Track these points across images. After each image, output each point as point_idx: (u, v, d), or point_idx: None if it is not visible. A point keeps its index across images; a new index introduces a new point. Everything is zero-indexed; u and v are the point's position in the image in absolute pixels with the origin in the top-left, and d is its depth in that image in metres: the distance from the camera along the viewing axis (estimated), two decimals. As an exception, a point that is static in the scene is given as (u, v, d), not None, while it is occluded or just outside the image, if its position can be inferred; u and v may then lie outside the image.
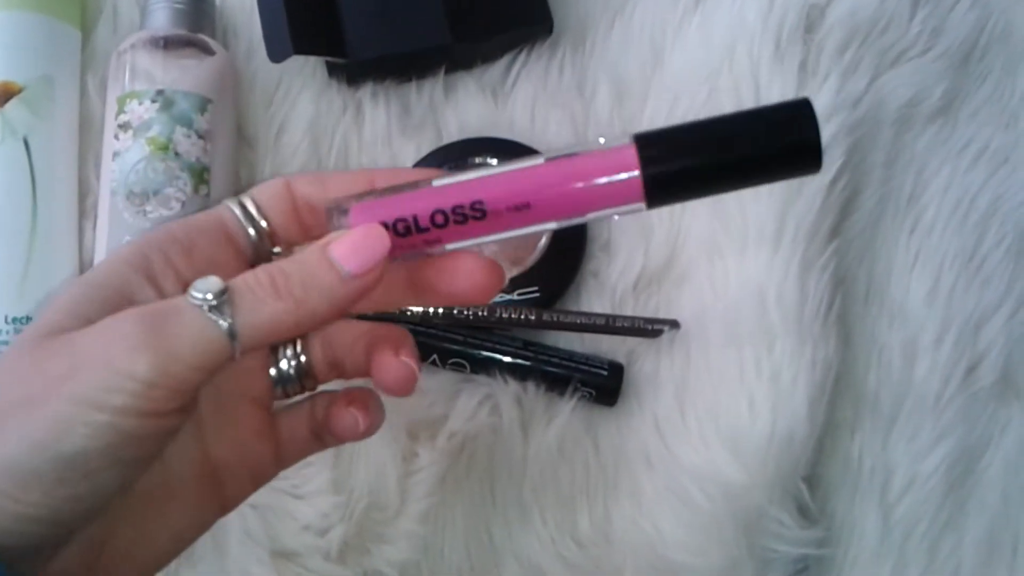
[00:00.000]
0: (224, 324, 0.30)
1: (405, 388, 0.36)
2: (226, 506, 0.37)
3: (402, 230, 0.33)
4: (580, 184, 0.32)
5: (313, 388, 0.39)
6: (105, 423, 0.28)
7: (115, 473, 0.30)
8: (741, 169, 0.32)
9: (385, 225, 0.33)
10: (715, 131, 0.32)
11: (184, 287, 0.31)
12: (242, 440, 0.37)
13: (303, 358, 0.38)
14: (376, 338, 0.37)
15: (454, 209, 0.33)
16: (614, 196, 0.32)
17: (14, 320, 0.51)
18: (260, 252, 0.35)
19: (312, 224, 0.36)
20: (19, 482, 0.28)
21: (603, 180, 0.32)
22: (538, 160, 0.32)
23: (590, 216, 0.32)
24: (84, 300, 0.31)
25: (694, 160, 0.31)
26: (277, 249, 0.36)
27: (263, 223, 0.35)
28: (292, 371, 0.38)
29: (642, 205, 0.32)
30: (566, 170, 0.32)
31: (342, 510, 0.52)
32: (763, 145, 0.31)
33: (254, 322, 0.30)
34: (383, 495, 0.52)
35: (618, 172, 0.31)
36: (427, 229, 0.33)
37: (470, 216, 0.32)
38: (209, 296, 0.30)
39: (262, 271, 0.31)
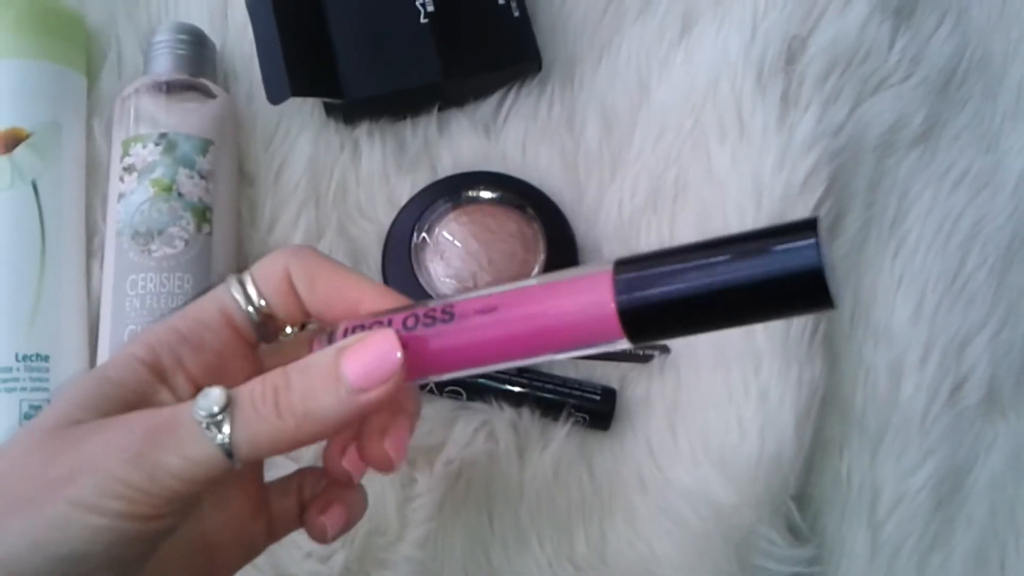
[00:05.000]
0: (221, 441, 0.30)
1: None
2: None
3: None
4: (552, 303, 0.30)
5: None
6: (103, 526, 0.29)
7: (113, 572, 0.30)
8: (737, 308, 0.28)
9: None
10: (705, 262, 0.28)
11: (195, 386, 0.32)
12: (236, 519, 0.37)
13: None
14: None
15: (426, 313, 0.32)
16: (591, 330, 0.29)
17: (24, 358, 0.52)
18: (264, 332, 0.36)
19: (312, 308, 0.36)
20: None
21: (575, 311, 0.29)
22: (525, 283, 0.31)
23: (571, 351, 0.30)
24: (101, 397, 0.31)
25: (679, 296, 0.28)
26: (289, 330, 0.36)
27: (263, 303, 0.35)
28: None
29: (624, 341, 0.29)
30: (540, 289, 0.31)
31: (343, 536, 0.53)
32: (759, 280, 0.27)
33: (252, 440, 0.30)
34: (383, 521, 0.54)
35: (592, 304, 0.29)
36: (398, 331, 0.32)
37: (439, 319, 0.32)
38: (214, 410, 0.30)
39: (269, 382, 0.31)
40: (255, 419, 0.30)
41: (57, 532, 0.28)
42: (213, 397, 0.30)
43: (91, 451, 0.29)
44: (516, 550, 0.55)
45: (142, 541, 0.30)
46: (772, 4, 0.61)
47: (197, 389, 0.32)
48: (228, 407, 0.30)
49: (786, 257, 0.26)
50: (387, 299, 0.35)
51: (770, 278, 0.26)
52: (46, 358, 0.53)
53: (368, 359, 0.31)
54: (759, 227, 0.28)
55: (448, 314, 0.32)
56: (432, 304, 0.33)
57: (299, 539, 0.53)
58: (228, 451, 0.30)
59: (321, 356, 0.32)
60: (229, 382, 0.31)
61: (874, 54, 0.62)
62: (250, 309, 0.35)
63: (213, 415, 0.30)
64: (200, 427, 0.30)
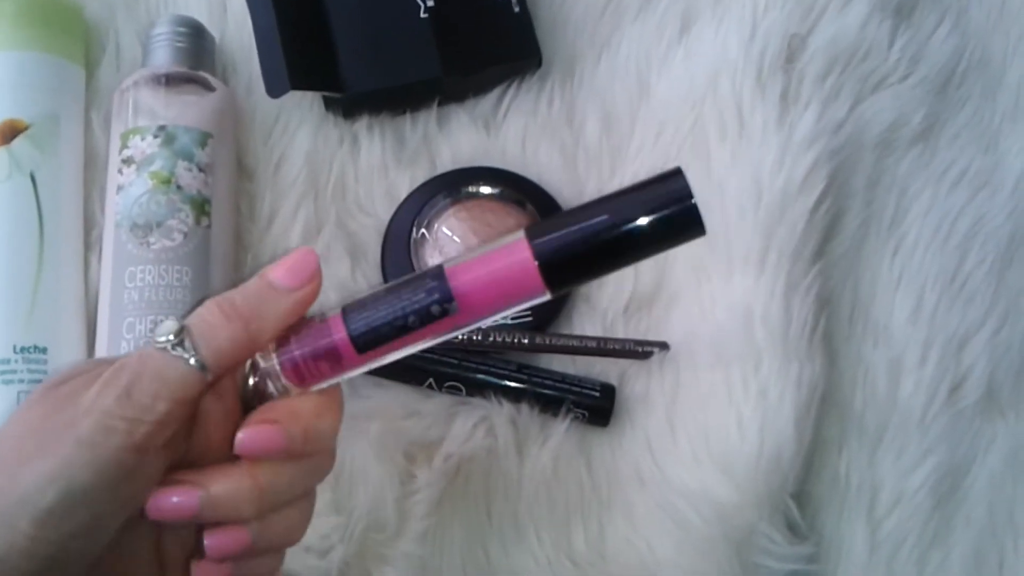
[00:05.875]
0: (190, 357, 0.33)
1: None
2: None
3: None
4: (482, 272, 0.34)
5: None
6: (109, 459, 0.32)
7: (115, 508, 0.33)
8: (630, 244, 0.33)
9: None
10: (599, 212, 0.33)
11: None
12: (186, 537, 0.37)
13: None
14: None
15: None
16: (516, 285, 0.34)
17: (22, 349, 0.52)
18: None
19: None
20: (34, 519, 0.31)
21: (504, 273, 0.33)
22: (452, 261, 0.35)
23: (499, 312, 0.34)
24: (101, 361, 0.35)
25: (584, 243, 0.33)
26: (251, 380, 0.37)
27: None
28: None
29: (545, 292, 0.34)
30: (470, 261, 0.34)
31: (342, 531, 0.53)
32: (648, 219, 0.33)
33: (214, 347, 0.34)
34: (382, 516, 0.53)
35: (515, 265, 0.33)
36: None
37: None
38: (170, 337, 0.33)
39: (211, 303, 0.35)
40: (208, 330, 0.34)
41: (68, 469, 0.31)
42: (167, 326, 0.34)
43: (86, 398, 0.33)
44: (515, 546, 0.55)
45: (143, 474, 0.33)
46: (772, 2, 0.61)
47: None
48: (184, 329, 0.34)
49: (665, 197, 0.33)
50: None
51: (657, 215, 0.33)
52: (44, 350, 0.52)
53: (289, 263, 0.36)
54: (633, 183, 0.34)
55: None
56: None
57: (297, 534, 0.53)
58: (198, 363, 0.33)
59: (251, 279, 0.36)
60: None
61: (874, 53, 0.63)
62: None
63: (172, 339, 0.33)
64: (166, 351, 0.33)
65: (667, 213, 0.33)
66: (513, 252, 0.33)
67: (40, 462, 0.32)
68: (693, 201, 0.32)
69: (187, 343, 0.33)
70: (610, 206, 0.33)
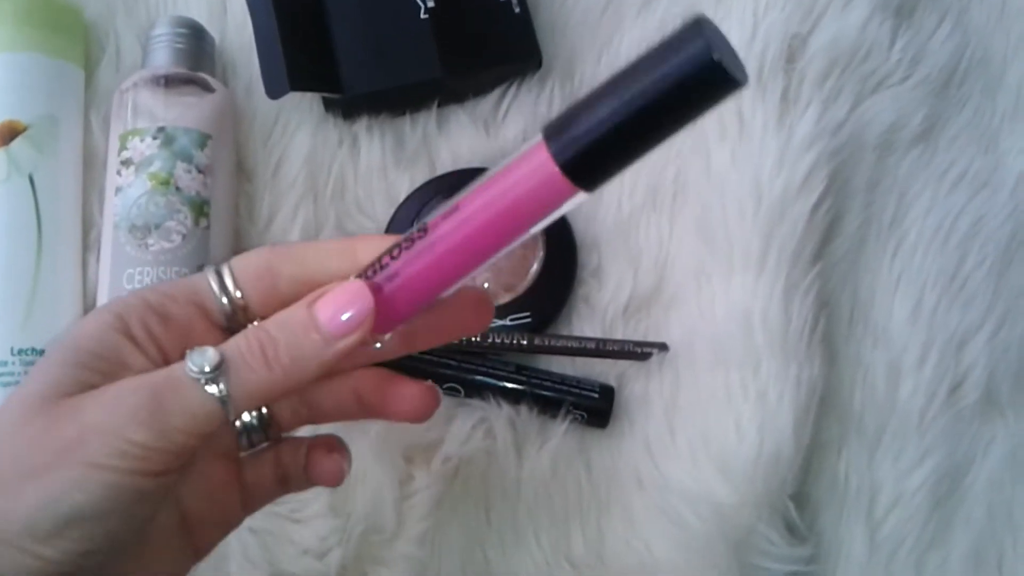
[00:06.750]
0: (220, 395, 0.32)
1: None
2: (199, 552, 0.38)
3: (371, 274, 0.34)
4: (509, 189, 0.31)
5: (277, 437, 0.40)
6: (120, 483, 0.31)
7: (129, 526, 0.32)
8: (658, 121, 0.29)
9: (363, 276, 0.34)
10: (615, 88, 0.29)
11: (164, 352, 0.34)
12: (211, 491, 0.38)
13: (264, 410, 0.40)
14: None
15: (405, 238, 0.33)
16: (545, 196, 0.31)
17: (19, 352, 0.52)
18: (234, 322, 0.36)
19: (291, 297, 0.36)
20: (41, 538, 0.30)
21: (526, 182, 0.31)
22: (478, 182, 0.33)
23: (541, 220, 0.32)
24: (78, 365, 0.33)
25: (604, 128, 0.29)
26: (256, 323, 0.37)
27: (237, 295, 0.36)
28: (255, 422, 0.39)
29: (579, 192, 0.30)
30: (490, 181, 0.32)
31: (340, 534, 0.53)
32: (664, 84, 0.28)
33: (246, 391, 0.32)
34: (380, 518, 0.53)
35: (536, 172, 0.30)
36: (386, 266, 0.33)
37: (416, 238, 0.33)
38: (207, 369, 0.32)
39: (253, 338, 0.33)
40: (247, 372, 0.32)
41: (76, 493, 0.30)
42: (208, 356, 0.32)
43: (96, 416, 0.31)
44: (513, 548, 0.55)
45: (153, 497, 0.32)
46: (772, 3, 0.60)
47: (165, 356, 0.34)
48: (222, 364, 0.32)
49: (681, 60, 0.27)
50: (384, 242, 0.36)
51: (675, 83, 0.28)
52: (41, 352, 0.52)
53: (340, 300, 0.33)
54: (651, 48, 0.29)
55: (422, 230, 0.33)
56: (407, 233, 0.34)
57: (295, 536, 0.53)
58: (225, 403, 0.32)
59: (296, 309, 0.34)
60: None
61: (874, 53, 0.62)
62: (224, 300, 0.36)
63: (208, 372, 0.32)
64: (199, 384, 0.32)
65: (689, 82, 0.27)
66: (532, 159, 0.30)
67: (46, 482, 0.30)
68: (715, 59, 0.27)
69: (221, 379, 0.32)
70: (624, 86, 0.29)
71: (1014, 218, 0.62)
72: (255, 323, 0.35)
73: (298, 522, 0.53)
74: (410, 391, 0.39)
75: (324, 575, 0.53)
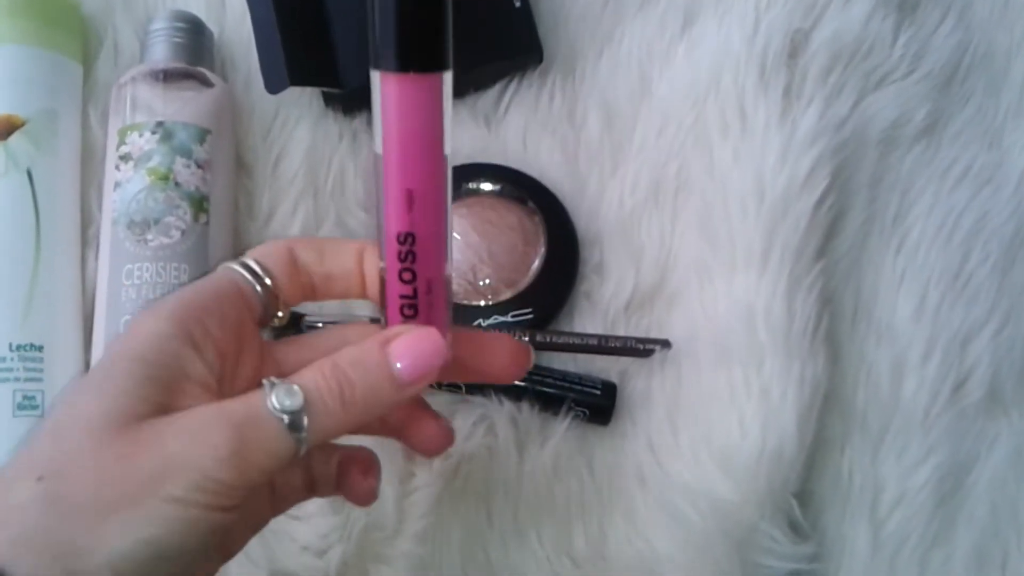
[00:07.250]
0: (303, 437, 0.32)
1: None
2: (229, 554, 0.39)
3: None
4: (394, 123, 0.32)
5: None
6: (199, 519, 0.31)
7: (205, 557, 0.33)
8: None
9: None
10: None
11: (220, 355, 0.34)
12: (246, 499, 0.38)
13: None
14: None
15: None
16: (414, 99, 0.32)
17: (18, 347, 0.52)
18: (267, 311, 0.37)
19: (309, 286, 0.38)
20: (123, 574, 0.30)
21: (395, 105, 0.32)
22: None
23: (442, 121, 0.33)
24: (145, 380, 0.32)
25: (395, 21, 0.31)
26: (280, 314, 0.38)
27: (268, 282, 0.37)
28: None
29: (436, 75, 0.32)
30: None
31: (340, 531, 0.52)
32: None
33: (322, 432, 0.33)
34: (381, 516, 0.53)
35: (393, 91, 0.31)
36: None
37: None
38: (296, 408, 0.32)
39: (332, 378, 0.33)
40: (325, 414, 0.33)
41: (159, 529, 0.30)
42: (296, 396, 0.32)
43: (177, 447, 0.31)
44: (515, 545, 0.54)
45: (224, 529, 0.32)
46: (775, -2, 0.60)
47: (221, 359, 0.34)
48: (305, 406, 0.32)
49: None
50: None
51: None
52: (40, 348, 0.52)
53: (418, 350, 0.35)
54: None
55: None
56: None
57: (295, 534, 0.53)
58: (302, 443, 0.32)
59: (371, 352, 0.34)
60: (245, 356, 0.35)
61: (877, 49, 0.62)
62: (258, 288, 0.36)
63: (295, 412, 0.32)
64: (282, 424, 0.32)
65: None
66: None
67: (126, 517, 0.30)
68: None
69: (303, 420, 0.32)
70: None
71: (1018, 215, 0.61)
72: (329, 359, 0.34)
73: (298, 519, 0.53)
74: (431, 431, 0.42)
75: (324, 573, 0.52)
